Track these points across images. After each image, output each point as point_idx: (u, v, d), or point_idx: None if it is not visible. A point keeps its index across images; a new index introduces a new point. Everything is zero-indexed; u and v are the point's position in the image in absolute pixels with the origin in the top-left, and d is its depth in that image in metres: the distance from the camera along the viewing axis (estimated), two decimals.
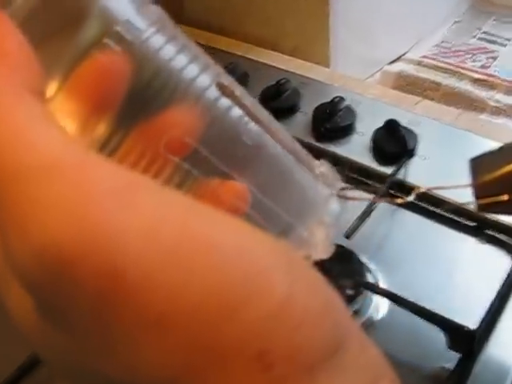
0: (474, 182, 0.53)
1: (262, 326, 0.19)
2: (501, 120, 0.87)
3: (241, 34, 0.98)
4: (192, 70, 0.26)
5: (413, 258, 0.65)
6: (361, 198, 0.30)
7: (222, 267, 0.19)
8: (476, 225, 0.67)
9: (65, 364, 0.22)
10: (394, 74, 0.96)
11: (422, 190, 0.46)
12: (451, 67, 0.94)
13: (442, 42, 1.02)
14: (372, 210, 0.66)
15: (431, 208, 0.69)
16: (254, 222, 0.26)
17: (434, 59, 0.97)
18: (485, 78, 0.92)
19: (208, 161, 0.25)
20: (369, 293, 0.60)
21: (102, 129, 0.24)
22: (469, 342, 0.54)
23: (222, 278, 0.19)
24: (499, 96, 0.89)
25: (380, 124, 0.75)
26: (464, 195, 0.67)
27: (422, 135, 0.74)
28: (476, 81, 0.92)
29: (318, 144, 0.77)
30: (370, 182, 0.73)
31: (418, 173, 0.71)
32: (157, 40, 0.25)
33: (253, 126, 0.27)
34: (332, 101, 0.78)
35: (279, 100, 0.81)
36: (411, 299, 0.56)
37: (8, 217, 0.19)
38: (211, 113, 0.26)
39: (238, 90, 0.27)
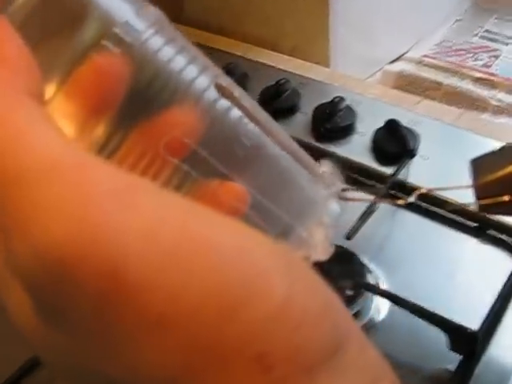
0: (474, 183, 0.53)
1: (261, 328, 0.20)
2: (503, 119, 0.87)
3: (240, 33, 0.98)
4: (191, 72, 0.26)
5: (414, 258, 0.65)
6: (361, 199, 0.30)
7: (221, 268, 0.20)
8: (477, 225, 0.67)
9: (65, 365, 0.22)
10: (395, 73, 0.96)
11: (423, 190, 0.46)
12: (452, 66, 0.94)
13: (443, 40, 1.02)
14: (373, 211, 0.66)
15: (432, 208, 0.69)
16: (253, 222, 0.26)
17: (435, 58, 0.97)
18: (486, 76, 0.92)
19: (207, 162, 0.25)
20: (369, 294, 0.61)
21: (100, 130, 0.24)
22: (470, 343, 0.54)
23: (221, 280, 0.20)
24: (501, 95, 0.89)
25: (380, 124, 0.75)
26: (465, 195, 0.67)
27: (423, 135, 0.74)
28: (478, 80, 0.92)
29: (318, 144, 0.77)
30: (370, 183, 0.73)
31: (419, 173, 0.72)
32: (155, 41, 0.25)
33: (252, 127, 0.27)
34: (332, 101, 0.78)
35: (279, 100, 0.81)
36: (412, 300, 0.56)
37: (9, 219, 0.19)
38: (210, 114, 0.26)
39: (237, 91, 0.27)
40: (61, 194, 0.19)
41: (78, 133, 0.24)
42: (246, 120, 0.27)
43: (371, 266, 0.64)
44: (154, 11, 0.26)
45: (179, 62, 0.26)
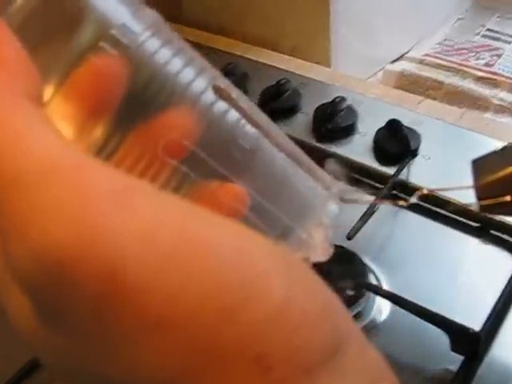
0: (476, 184, 0.54)
1: (260, 329, 0.20)
2: (505, 119, 0.87)
3: (240, 33, 0.98)
4: (188, 73, 0.26)
5: (415, 258, 0.65)
6: (362, 201, 0.30)
7: (220, 270, 0.20)
8: (479, 225, 0.67)
9: (65, 367, 0.22)
10: (396, 73, 0.96)
11: (424, 191, 0.47)
12: (454, 65, 0.94)
13: (445, 39, 1.02)
14: (374, 211, 0.67)
15: (434, 209, 0.69)
16: (252, 224, 0.26)
17: (436, 57, 0.97)
18: (489, 75, 0.92)
19: (205, 164, 0.26)
20: (371, 294, 0.61)
21: (99, 132, 0.24)
22: (472, 344, 0.54)
23: (220, 281, 0.20)
24: (503, 94, 0.89)
25: (382, 124, 0.76)
26: (467, 196, 0.68)
27: (425, 135, 0.75)
28: (479, 79, 0.92)
29: (319, 144, 0.78)
30: (372, 183, 0.73)
31: (421, 173, 0.72)
32: (152, 44, 0.25)
33: (250, 128, 0.27)
34: (333, 101, 0.79)
35: (279, 100, 0.82)
36: (414, 301, 0.57)
37: (7, 222, 0.19)
38: (208, 116, 0.26)
39: (235, 93, 0.27)
40: (59, 196, 0.19)
41: (76, 134, 0.24)
42: (244, 122, 0.27)
43: (373, 266, 0.64)
44: (151, 13, 0.27)
45: (176, 64, 0.26)
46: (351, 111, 0.79)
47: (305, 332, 0.21)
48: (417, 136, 0.74)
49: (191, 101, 0.26)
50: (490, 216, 0.66)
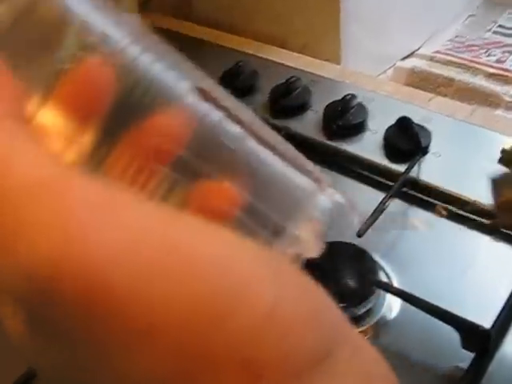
0: (495, 201, 0.54)
1: (249, 335, 0.20)
2: None
3: (250, 31, 0.99)
4: (171, 77, 0.26)
5: (426, 256, 0.65)
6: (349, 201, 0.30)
7: (206, 277, 0.20)
8: (488, 224, 0.67)
9: (61, 376, 0.22)
10: (407, 70, 0.96)
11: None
12: (465, 62, 0.94)
13: (456, 36, 1.02)
14: (384, 209, 0.67)
15: (444, 206, 0.69)
16: (244, 225, 0.26)
17: (447, 54, 0.97)
18: (500, 72, 0.92)
19: (194, 166, 0.25)
20: (381, 292, 0.61)
21: (88, 140, 0.24)
22: (483, 341, 0.55)
23: (207, 288, 0.20)
24: None
25: (392, 121, 0.76)
26: (478, 193, 0.68)
27: (435, 132, 0.75)
28: (491, 75, 0.92)
29: (329, 142, 0.78)
30: (382, 180, 0.74)
31: (432, 170, 0.72)
32: (134, 49, 0.25)
33: (234, 127, 0.27)
34: (343, 98, 0.79)
35: (289, 98, 0.82)
36: (424, 298, 0.57)
37: None
38: (192, 118, 0.26)
39: (219, 93, 0.27)
40: (45, 210, 0.19)
41: (65, 144, 0.24)
42: (229, 122, 0.27)
43: (383, 263, 0.64)
44: (131, 20, 0.26)
45: (158, 68, 0.26)
46: (361, 108, 0.79)
47: (294, 337, 0.21)
48: (427, 133, 0.74)
49: (175, 104, 0.26)
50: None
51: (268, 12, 0.97)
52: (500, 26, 1.03)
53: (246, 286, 0.20)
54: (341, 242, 0.64)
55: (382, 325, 0.60)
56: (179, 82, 0.26)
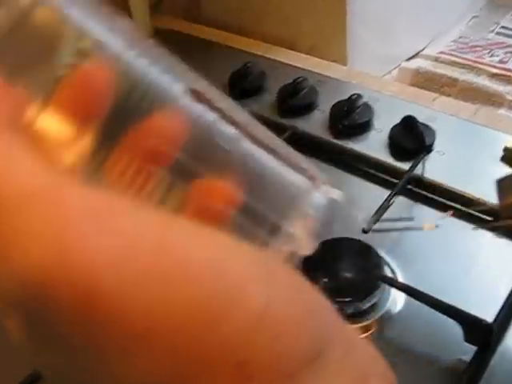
0: (500, 203, 0.54)
1: (242, 337, 0.20)
2: None
3: (259, 33, 0.99)
4: (166, 80, 0.26)
5: (430, 252, 0.65)
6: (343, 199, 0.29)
7: (200, 281, 0.20)
8: (493, 219, 0.67)
9: (59, 375, 0.23)
10: (412, 70, 0.96)
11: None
12: (469, 62, 0.94)
13: (460, 37, 1.02)
14: (389, 205, 0.67)
15: (448, 203, 0.69)
16: (240, 225, 0.26)
17: (451, 55, 0.97)
18: (503, 72, 0.92)
19: (190, 167, 0.26)
20: (386, 286, 0.61)
21: (88, 144, 0.24)
22: (485, 335, 0.55)
23: (201, 292, 0.20)
24: None
25: (397, 120, 0.76)
26: (482, 190, 0.68)
27: (439, 131, 0.75)
28: (494, 76, 0.92)
29: (335, 141, 0.78)
30: (387, 178, 0.74)
31: (436, 168, 0.72)
32: (129, 54, 0.25)
33: (229, 128, 0.27)
34: (349, 98, 0.79)
35: (297, 98, 0.82)
36: (428, 293, 0.57)
37: None
38: (188, 119, 0.26)
39: (214, 95, 0.27)
40: (40, 219, 0.19)
41: (65, 148, 0.24)
42: (223, 123, 0.27)
43: (388, 259, 0.64)
44: (126, 24, 0.26)
45: (154, 72, 0.26)
46: (367, 108, 0.79)
47: (286, 338, 0.21)
48: (432, 132, 0.75)
49: (171, 106, 0.26)
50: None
51: (276, 15, 0.97)
52: (503, 27, 1.03)
53: (239, 288, 0.20)
54: (347, 238, 0.64)
55: (387, 319, 0.60)
56: (174, 84, 0.26)
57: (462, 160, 0.73)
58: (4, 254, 0.19)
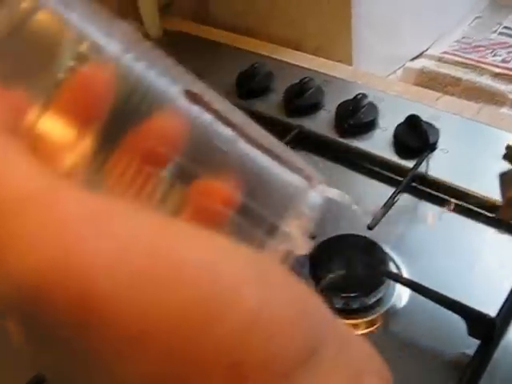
0: (504, 195, 0.54)
1: (236, 339, 0.20)
2: None
3: (265, 35, 0.99)
4: (163, 83, 0.26)
5: (434, 248, 0.65)
6: (339, 198, 0.29)
7: (195, 284, 0.20)
8: (496, 216, 0.67)
9: (59, 375, 0.23)
10: (416, 70, 0.96)
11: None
12: (472, 62, 0.94)
13: (463, 37, 1.02)
14: (394, 202, 0.67)
15: (452, 200, 0.69)
16: (238, 224, 0.26)
17: (454, 55, 0.97)
18: (505, 72, 0.92)
19: (188, 168, 0.25)
20: (391, 282, 0.61)
21: (88, 144, 0.24)
22: (488, 329, 0.55)
23: (195, 294, 0.20)
24: None
25: (402, 119, 0.76)
26: (484, 187, 0.68)
27: (443, 129, 0.75)
28: (497, 75, 0.91)
29: (341, 140, 0.78)
30: (392, 176, 0.74)
31: (440, 166, 0.72)
32: (128, 57, 0.25)
33: (225, 129, 0.27)
34: (355, 98, 0.79)
35: (303, 98, 0.82)
36: (432, 288, 0.57)
37: None
38: (186, 121, 0.26)
39: (210, 96, 0.27)
40: (36, 222, 0.19)
41: (66, 151, 0.24)
42: (220, 124, 0.27)
43: (393, 255, 0.64)
44: (124, 27, 0.26)
45: (152, 74, 0.26)
46: (372, 107, 0.79)
47: (280, 339, 0.21)
48: (435, 131, 0.75)
49: (168, 107, 0.26)
50: None
51: (282, 17, 0.97)
52: (505, 27, 1.03)
53: (233, 290, 0.20)
54: (352, 235, 0.64)
55: (392, 314, 0.60)
56: (172, 86, 0.26)
57: (466, 158, 0.73)
58: (0, 257, 0.19)
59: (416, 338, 0.57)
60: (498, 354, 0.55)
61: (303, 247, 0.27)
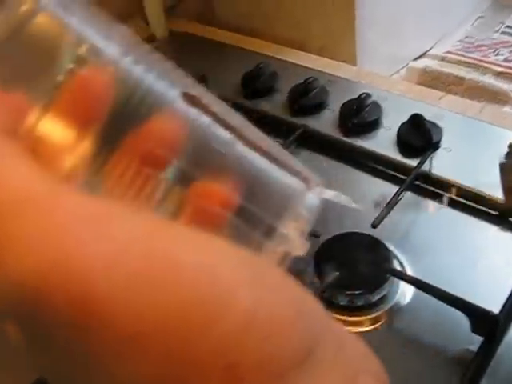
0: (503, 184, 0.54)
1: (232, 340, 0.20)
2: None
3: (270, 35, 0.99)
4: (161, 86, 0.26)
5: (438, 245, 0.65)
6: (339, 199, 0.29)
7: (191, 285, 0.20)
8: (499, 213, 0.67)
9: (59, 376, 0.22)
10: (419, 69, 0.96)
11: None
12: (475, 61, 0.94)
13: (466, 37, 1.02)
14: (398, 201, 0.67)
15: (455, 198, 0.69)
16: (236, 226, 0.26)
17: (457, 54, 0.97)
18: (508, 71, 0.91)
19: (186, 170, 0.25)
20: (395, 279, 0.61)
21: (88, 146, 0.24)
22: (492, 326, 0.55)
23: (192, 296, 0.20)
24: None
25: (405, 118, 0.76)
26: (487, 185, 0.68)
27: (446, 128, 0.74)
28: (499, 74, 0.91)
29: (345, 139, 0.78)
30: (396, 174, 0.74)
31: (443, 165, 0.72)
32: (128, 60, 0.25)
33: (223, 131, 0.27)
34: (359, 97, 0.79)
35: (307, 97, 0.82)
36: (436, 285, 0.57)
37: None
38: (184, 123, 0.26)
39: (208, 99, 0.27)
40: (34, 224, 0.19)
41: (65, 152, 0.24)
42: (217, 127, 0.26)
43: (397, 252, 0.64)
44: (124, 31, 0.26)
45: (151, 77, 0.26)
46: (376, 107, 0.79)
47: (276, 339, 0.21)
48: (439, 130, 0.74)
49: (167, 110, 0.26)
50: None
51: (288, 19, 0.97)
52: (508, 26, 1.02)
53: (229, 292, 0.20)
54: (357, 233, 0.64)
55: (396, 310, 0.60)
56: (170, 89, 0.26)
57: (469, 156, 0.72)
58: None
59: (420, 335, 0.57)
60: (501, 350, 0.55)
61: (301, 249, 0.27)
